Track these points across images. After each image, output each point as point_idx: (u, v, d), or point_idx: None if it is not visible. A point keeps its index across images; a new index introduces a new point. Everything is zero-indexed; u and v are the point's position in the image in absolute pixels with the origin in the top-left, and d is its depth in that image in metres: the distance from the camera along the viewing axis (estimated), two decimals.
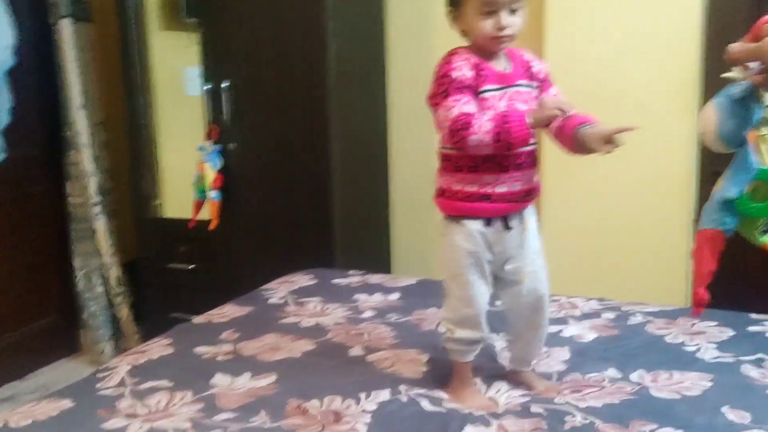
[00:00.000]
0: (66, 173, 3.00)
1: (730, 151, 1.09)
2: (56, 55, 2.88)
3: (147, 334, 2.99)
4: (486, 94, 1.33)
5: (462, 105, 1.30)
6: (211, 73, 2.67)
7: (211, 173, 2.64)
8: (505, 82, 1.36)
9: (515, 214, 1.40)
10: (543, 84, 1.42)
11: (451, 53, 1.36)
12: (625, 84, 2.40)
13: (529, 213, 1.43)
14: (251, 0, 2.54)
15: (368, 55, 2.79)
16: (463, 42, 1.38)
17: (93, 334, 3.07)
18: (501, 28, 1.31)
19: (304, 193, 2.60)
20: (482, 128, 1.27)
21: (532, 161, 1.39)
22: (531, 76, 1.40)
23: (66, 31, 2.83)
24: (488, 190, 1.35)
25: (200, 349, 1.66)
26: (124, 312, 3.07)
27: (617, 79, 2.41)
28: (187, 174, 2.73)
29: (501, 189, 1.35)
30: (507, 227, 1.39)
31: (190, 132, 2.80)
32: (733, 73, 1.08)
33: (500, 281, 1.43)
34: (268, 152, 2.63)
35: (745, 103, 1.06)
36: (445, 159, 1.39)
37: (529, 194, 1.40)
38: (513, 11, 1.31)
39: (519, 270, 1.41)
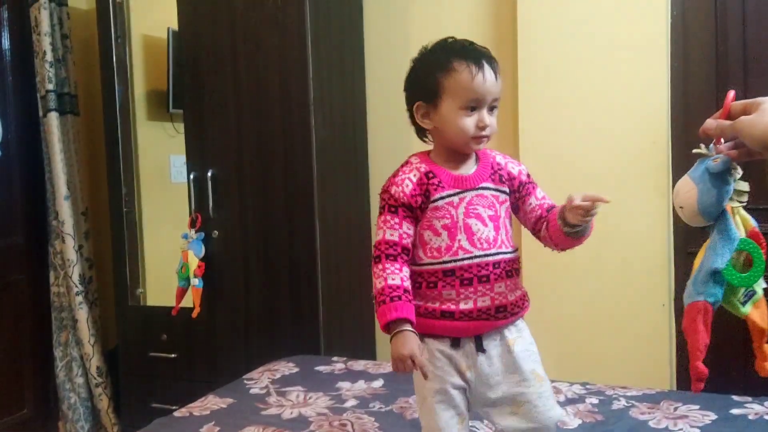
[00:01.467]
0: (49, 262, 3.00)
1: (708, 224, 1.12)
2: (43, 147, 2.94)
3: (126, 426, 2.93)
4: (439, 203, 1.25)
5: (388, 228, 1.25)
6: (195, 162, 2.72)
7: (194, 261, 2.65)
8: (464, 185, 1.26)
9: (493, 334, 1.26)
10: (527, 186, 1.32)
11: (403, 164, 1.31)
12: (596, 164, 2.45)
13: (516, 331, 1.29)
14: (235, 91, 2.62)
15: (351, 142, 2.86)
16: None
17: (72, 426, 3.00)
18: (483, 127, 1.23)
19: (288, 280, 2.60)
20: (375, 276, 1.21)
21: (505, 272, 1.26)
22: (500, 179, 1.29)
23: (53, 123, 2.89)
24: (450, 306, 1.23)
25: None
26: (105, 403, 3.01)
27: (588, 159, 2.46)
28: (170, 261, 2.74)
29: (465, 305, 1.23)
30: (480, 349, 1.26)
31: (175, 220, 2.83)
32: (704, 149, 1.14)
33: (493, 409, 1.28)
34: (253, 239, 2.65)
35: (722, 177, 1.09)
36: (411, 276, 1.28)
37: (502, 310, 1.25)
38: (491, 109, 1.25)
39: (511, 399, 1.26)
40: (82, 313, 2.96)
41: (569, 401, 1.81)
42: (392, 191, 1.27)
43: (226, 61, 2.62)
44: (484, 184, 1.28)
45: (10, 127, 2.73)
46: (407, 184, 1.26)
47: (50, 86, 2.89)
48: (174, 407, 1.92)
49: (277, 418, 1.78)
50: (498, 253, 1.25)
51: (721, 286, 1.09)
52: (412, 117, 1.32)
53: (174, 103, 2.95)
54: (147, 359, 2.85)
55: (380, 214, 1.28)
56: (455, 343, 1.26)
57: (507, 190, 1.31)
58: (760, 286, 1.10)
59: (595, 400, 1.80)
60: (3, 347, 2.92)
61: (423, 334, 1.23)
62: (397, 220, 1.25)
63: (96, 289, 3.09)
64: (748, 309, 1.11)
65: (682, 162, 2.29)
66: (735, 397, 1.76)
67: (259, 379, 2.09)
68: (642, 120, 2.39)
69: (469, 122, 1.23)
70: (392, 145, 2.89)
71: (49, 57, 2.87)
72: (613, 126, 2.43)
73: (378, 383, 2.03)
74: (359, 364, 2.22)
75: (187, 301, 2.68)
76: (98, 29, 2.89)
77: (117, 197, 2.90)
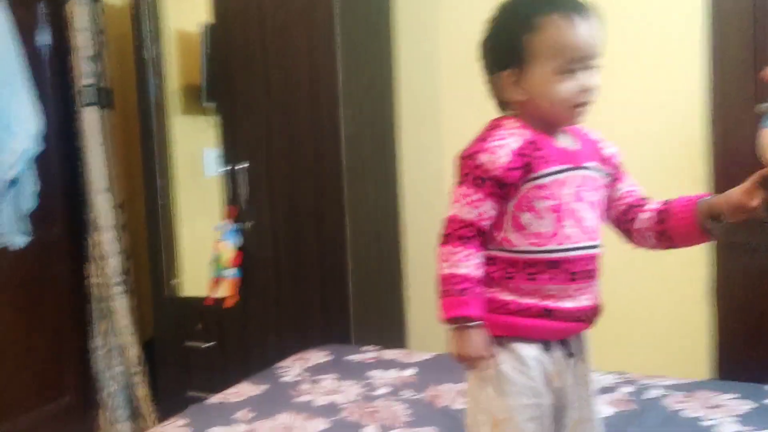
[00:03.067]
0: (86, 254, 3.06)
1: None
2: (79, 141, 3.00)
3: (164, 414, 2.98)
4: (545, 180, 1.04)
5: (465, 206, 1.04)
6: (228, 155, 2.75)
7: (228, 251, 2.69)
8: (572, 161, 1.07)
9: (576, 339, 1.13)
10: (617, 172, 1.16)
11: (495, 124, 1.09)
12: (633, 156, 2.42)
13: (586, 339, 1.16)
14: (267, 86, 2.64)
15: (380, 135, 2.86)
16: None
17: (111, 414, 3.06)
18: (585, 91, 1.04)
19: (319, 270, 2.62)
20: (448, 259, 1.04)
21: (599, 271, 1.12)
22: (602, 160, 1.13)
23: (89, 118, 2.95)
24: (550, 303, 1.06)
25: (215, 430, 1.66)
26: (143, 391, 3.07)
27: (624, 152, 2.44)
28: (204, 253, 2.79)
29: (566, 304, 1.06)
30: (569, 354, 1.10)
31: (209, 212, 2.88)
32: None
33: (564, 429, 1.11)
34: (284, 230, 2.67)
35: None
36: (488, 260, 1.08)
37: (597, 312, 1.13)
38: (590, 68, 1.05)
39: (582, 424, 1.11)
40: (120, 304, 3.02)
41: (604, 390, 1.79)
42: (481, 159, 1.03)
43: (256, 57, 2.65)
44: (590, 163, 1.10)
45: (48, 121, 2.79)
46: (505, 153, 1.03)
47: (87, 81, 2.94)
48: (209, 396, 1.95)
49: (308, 405, 1.81)
50: (600, 246, 1.11)
51: None
52: (495, 88, 1.13)
53: (207, 97, 2.98)
54: (182, 349, 2.91)
55: (459, 183, 1.06)
56: (545, 347, 1.08)
57: (608, 172, 1.15)
58: None
59: (630, 389, 1.79)
60: (46, 337, 2.99)
61: (511, 338, 1.07)
62: (480, 195, 1.03)
63: (133, 280, 3.15)
64: None
65: (718, 151, 2.25)
66: None
67: (291, 367, 2.12)
68: (677, 112, 2.35)
69: (569, 87, 1.03)
70: (421, 139, 2.89)
71: (85, 52, 2.93)
72: (649, 118, 2.40)
73: (409, 372, 2.04)
74: (390, 353, 2.23)
75: (220, 292, 2.72)
76: (132, 25, 2.93)
77: (152, 190, 2.96)
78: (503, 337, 1.07)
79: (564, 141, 1.10)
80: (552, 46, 1.03)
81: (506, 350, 1.07)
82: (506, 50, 1.08)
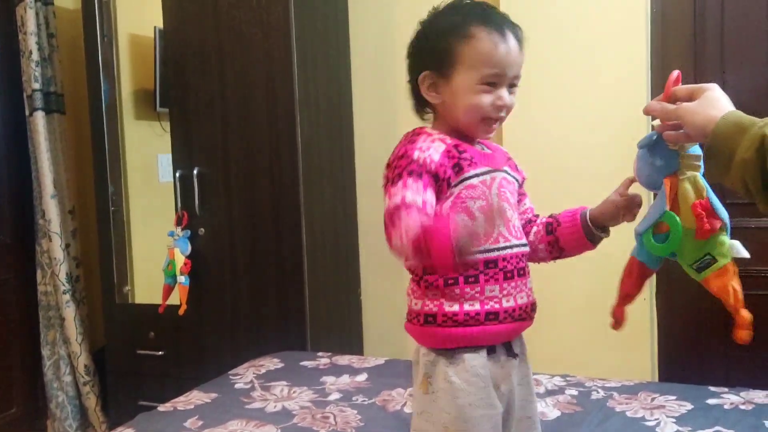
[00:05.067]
0: (36, 261, 3.00)
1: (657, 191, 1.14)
2: (29, 146, 2.94)
3: (115, 424, 2.93)
4: (474, 180, 1.05)
5: (409, 192, 0.98)
6: (181, 160, 2.73)
7: (180, 258, 2.66)
8: (492, 164, 1.10)
9: (518, 339, 1.13)
10: (521, 187, 1.19)
11: (416, 132, 1.09)
12: (575, 160, 2.47)
13: (523, 339, 1.17)
14: (222, 90, 2.63)
15: (337, 140, 2.88)
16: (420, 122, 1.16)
17: (60, 425, 3.00)
18: (500, 107, 1.06)
19: (275, 276, 2.62)
20: (408, 230, 0.95)
21: (528, 268, 1.13)
22: (514, 168, 1.16)
23: (39, 123, 2.90)
24: (494, 305, 1.05)
25: None
26: (92, 401, 3.02)
27: (567, 154, 2.49)
28: (158, 259, 2.75)
29: (508, 303, 1.06)
30: (514, 355, 1.10)
31: (162, 218, 2.85)
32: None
33: None
34: (240, 236, 2.66)
35: (656, 150, 1.10)
36: (428, 270, 1.06)
37: (535, 308, 1.13)
38: (511, 87, 1.07)
39: (522, 422, 1.13)
40: (70, 312, 2.96)
41: (549, 393, 1.83)
42: (414, 156, 1.02)
43: (212, 60, 2.64)
44: (506, 168, 1.13)
45: None
46: (435, 152, 1.03)
47: (36, 85, 2.89)
48: (161, 404, 1.93)
49: (260, 411, 1.80)
50: (525, 245, 1.13)
51: (643, 247, 1.14)
52: (414, 88, 1.14)
53: (161, 102, 2.95)
54: (134, 357, 2.86)
55: (392, 182, 1.01)
56: (491, 352, 1.07)
57: (518, 179, 1.17)
58: (725, 256, 1.08)
59: (574, 392, 1.83)
60: None
61: (458, 349, 1.04)
62: (420, 184, 1.00)
63: (83, 287, 3.10)
64: (703, 276, 1.09)
65: None
66: (712, 388, 1.79)
67: (244, 375, 2.11)
68: (622, 113, 2.41)
69: (486, 100, 1.05)
70: (379, 143, 2.90)
71: (35, 56, 2.88)
72: (593, 121, 2.45)
73: (362, 377, 2.05)
74: (344, 359, 2.24)
75: (174, 299, 2.69)
76: (84, 28, 2.89)
77: (104, 196, 2.91)
78: (450, 350, 1.05)
79: (479, 147, 1.13)
80: (479, 56, 1.04)
81: (456, 362, 1.05)
82: (433, 53, 1.09)
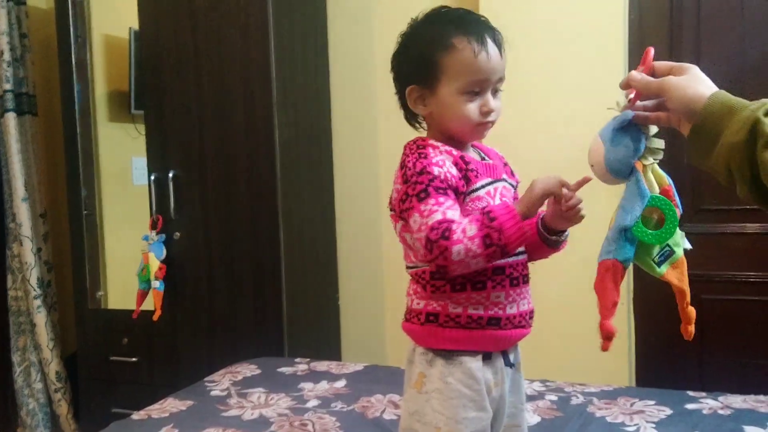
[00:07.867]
0: (6, 265, 2.94)
1: (620, 182, 1.06)
2: (0, 148, 2.88)
3: None
4: (480, 192, 1.06)
5: (446, 209, 0.99)
6: (156, 163, 2.69)
7: (155, 263, 2.62)
8: (493, 174, 1.11)
9: (513, 348, 1.15)
10: (515, 192, 1.19)
11: (422, 144, 1.08)
12: (551, 155, 2.45)
13: (518, 348, 1.18)
14: (199, 91, 2.60)
15: (315, 143, 2.86)
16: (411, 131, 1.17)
17: None
18: (488, 112, 1.07)
19: (252, 282, 2.58)
20: (467, 233, 0.96)
21: (529, 275, 1.15)
22: (510, 174, 1.18)
23: (10, 124, 2.84)
24: (498, 311, 1.06)
25: None
26: (64, 408, 2.95)
27: (542, 149, 2.46)
28: (131, 264, 2.70)
29: (511, 310, 1.08)
30: (510, 364, 1.12)
31: (137, 222, 2.80)
32: (616, 107, 1.06)
33: None
34: (216, 240, 2.63)
35: (629, 133, 1.03)
36: (437, 276, 1.07)
37: (532, 316, 1.14)
38: (495, 92, 1.09)
39: (511, 429, 1.15)
40: (41, 317, 2.90)
41: (529, 398, 1.82)
42: (436, 171, 1.02)
43: (188, 62, 2.60)
44: (504, 176, 1.15)
45: None
46: (450, 165, 1.04)
47: (8, 86, 2.83)
48: (134, 412, 1.89)
49: (237, 419, 1.77)
50: (525, 251, 1.14)
51: (632, 244, 1.04)
52: (402, 101, 1.15)
53: (136, 104, 2.91)
54: (107, 363, 2.81)
55: (421, 200, 1.00)
56: (487, 358, 1.09)
57: (515, 185, 1.18)
58: (679, 246, 1.05)
59: (554, 397, 1.82)
60: None
61: (457, 351, 1.06)
62: (451, 202, 1.01)
63: (55, 292, 3.04)
64: (664, 269, 1.05)
65: None
66: (690, 393, 1.80)
67: (220, 382, 2.08)
68: (601, 103, 2.41)
69: (472, 108, 1.07)
70: (357, 145, 2.89)
71: (6, 56, 2.82)
72: (569, 115, 2.44)
73: (340, 383, 2.02)
74: (322, 365, 2.21)
75: (149, 304, 2.65)
76: (57, 28, 2.84)
77: (76, 199, 2.86)
78: (449, 351, 1.07)
79: (476, 155, 1.14)
80: (462, 66, 1.06)
81: (453, 363, 1.07)
82: (417, 65, 1.10)
